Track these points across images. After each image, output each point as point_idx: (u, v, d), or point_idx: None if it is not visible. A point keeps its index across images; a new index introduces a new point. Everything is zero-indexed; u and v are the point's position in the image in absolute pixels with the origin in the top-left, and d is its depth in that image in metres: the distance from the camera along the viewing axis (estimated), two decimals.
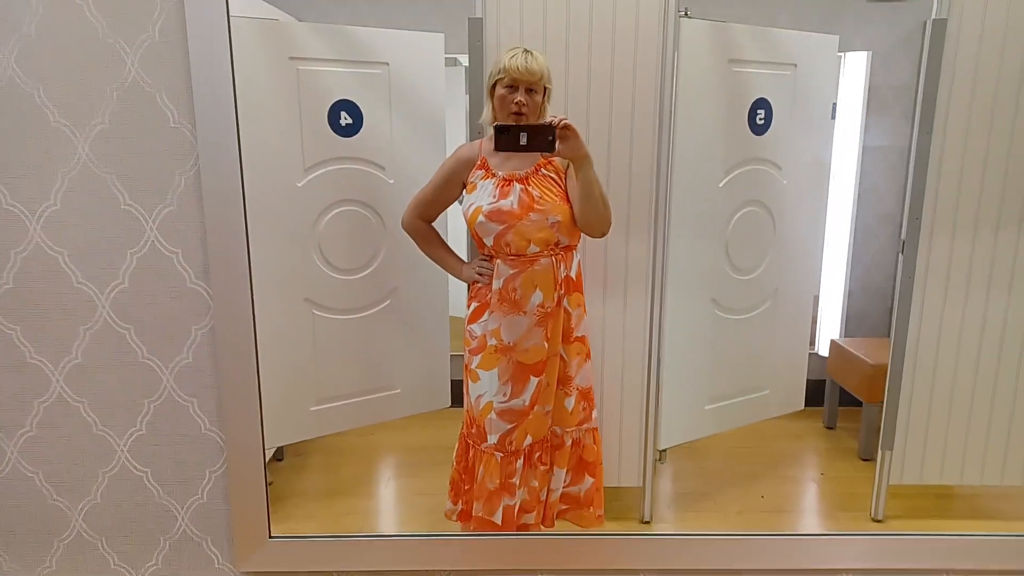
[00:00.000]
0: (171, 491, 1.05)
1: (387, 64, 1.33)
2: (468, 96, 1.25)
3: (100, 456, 1.02)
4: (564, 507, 1.30)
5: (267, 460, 1.49)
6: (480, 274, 1.22)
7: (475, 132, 1.25)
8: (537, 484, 1.26)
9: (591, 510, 1.30)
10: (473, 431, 1.26)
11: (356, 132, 1.34)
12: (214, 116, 0.92)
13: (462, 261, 1.28)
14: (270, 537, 1.05)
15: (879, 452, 1.38)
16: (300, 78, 1.29)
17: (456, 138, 1.30)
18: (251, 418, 1.02)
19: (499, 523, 1.23)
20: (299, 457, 1.61)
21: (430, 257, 1.29)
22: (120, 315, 0.97)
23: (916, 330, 1.29)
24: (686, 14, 1.25)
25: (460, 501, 1.30)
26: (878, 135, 1.62)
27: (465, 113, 1.28)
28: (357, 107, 1.33)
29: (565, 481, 1.28)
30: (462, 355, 1.27)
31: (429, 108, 1.37)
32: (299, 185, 1.32)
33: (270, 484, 1.46)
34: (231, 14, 0.88)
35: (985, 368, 1.22)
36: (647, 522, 1.41)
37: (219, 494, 1.06)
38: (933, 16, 1.18)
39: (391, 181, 1.34)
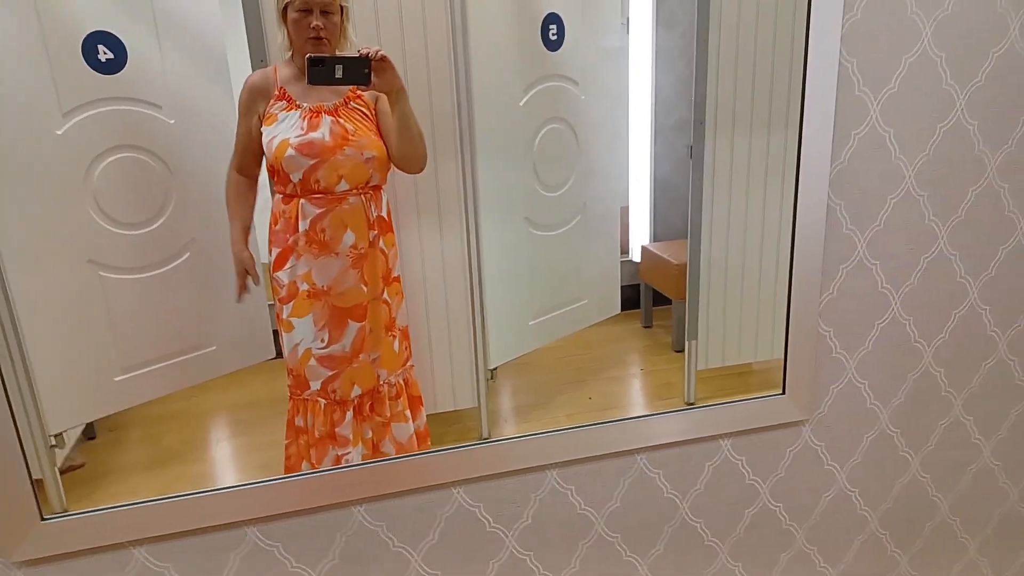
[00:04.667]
0: None
1: None
2: (244, 21, 1.19)
3: None
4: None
5: (76, 439, 1.41)
6: (242, 283, 1.23)
7: (258, 61, 1.20)
8: (372, 435, 1.29)
9: (428, 443, 1.36)
10: (290, 382, 1.26)
11: (121, 68, 1.24)
12: None
13: (245, 242, 1.25)
14: (42, 519, 1.00)
15: (686, 342, 1.54)
16: (39, 7, 1.16)
17: (241, 67, 1.24)
18: None
19: None
20: (113, 432, 1.52)
21: (228, 211, 1.25)
22: None
23: (708, 227, 1.45)
24: None
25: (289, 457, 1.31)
26: (669, 46, 1.74)
27: (245, 40, 1.22)
28: (118, 39, 1.22)
29: (415, 424, 1.33)
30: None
31: (205, 36, 1.29)
32: (59, 133, 1.21)
33: (81, 466, 1.40)
34: None
35: (767, 255, 1.40)
36: (486, 438, 1.50)
37: None
38: None
39: (171, 121, 1.26)
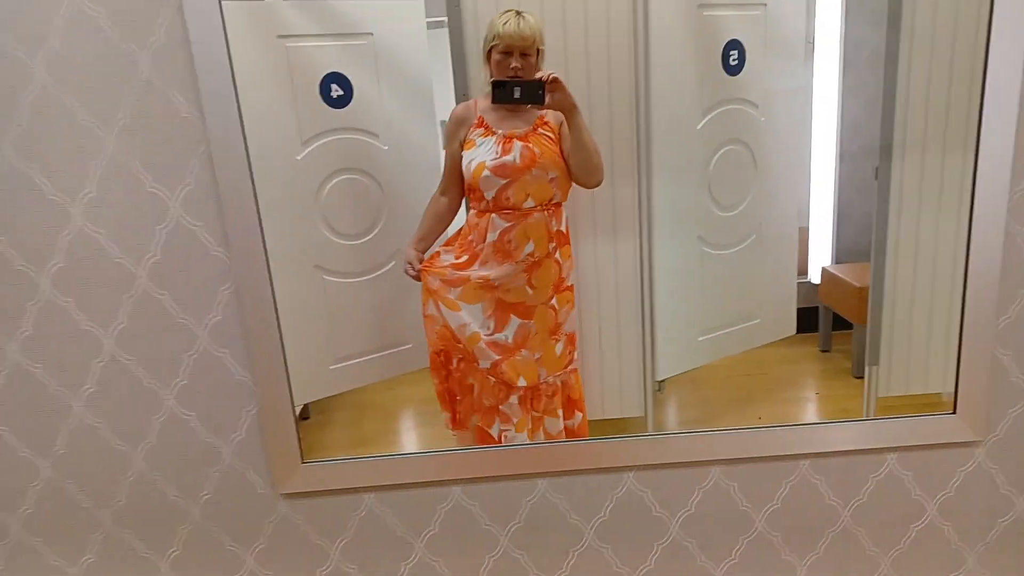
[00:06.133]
0: (214, 431, 1.25)
1: (371, 34, 1.45)
2: (451, 59, 1.37)
3: (152, 405, 1.23)
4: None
5: (296, 415, 1.67)
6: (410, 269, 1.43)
7: (461, 95, 1.38)
8: (531, 426, 1.42)
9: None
10: (460, 345, 1.42)
11: (347, 103, 1.45)
12: (218, 105, 1.09)
13: (417, 247, 1.43)
14: (303, 463, 1.24)
15: (866, 368, 1.51)
16: (289, 55, 1.41)
17: (445, 100, 1.42)
18: (275, 362, 1.20)
19: (496, 437, 1.41)
20: (323, 415, 1.76)
21: (420, 222, 1.44)
22: (156, 283, 1.16)
23: (894, 251, 1.42)
24: None
25: (450, 409, 1.48)
26: (857, 68, 1.71)
27: (450, 76, 1.39)
28: (346, 78, 1.44)
29: (565, 421, 1.45)
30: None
31: (415, 74, 1.49)
32: (298, 158, 1.45)
33: (299, 441, 1.64)
34: None
35: (958, 281, 1.35)
36: None
37: (255, 430, 1.26)
38: None
39: (385, 147, 1.47)
